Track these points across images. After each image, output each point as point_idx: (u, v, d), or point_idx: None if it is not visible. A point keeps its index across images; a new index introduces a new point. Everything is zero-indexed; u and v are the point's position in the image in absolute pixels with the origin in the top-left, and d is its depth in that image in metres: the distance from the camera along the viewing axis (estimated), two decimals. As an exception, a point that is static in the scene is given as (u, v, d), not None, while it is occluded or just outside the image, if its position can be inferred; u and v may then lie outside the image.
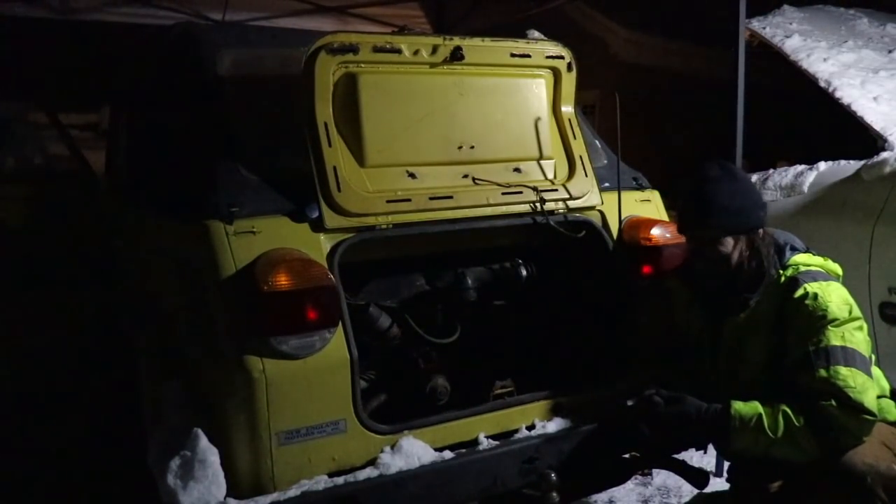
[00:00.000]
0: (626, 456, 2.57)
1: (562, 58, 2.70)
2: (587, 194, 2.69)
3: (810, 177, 3.52)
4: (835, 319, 2.10)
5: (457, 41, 2.49)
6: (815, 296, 2.14)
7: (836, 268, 2.32)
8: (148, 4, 5.77)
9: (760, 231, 2.29)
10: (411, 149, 2.45)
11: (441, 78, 2.51)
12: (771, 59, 4.05)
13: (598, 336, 2.70)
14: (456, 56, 2.48)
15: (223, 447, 2.04)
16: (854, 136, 3.44)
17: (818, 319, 2.11)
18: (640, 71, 6.86)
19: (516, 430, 2.40)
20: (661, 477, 3.38)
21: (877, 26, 4.41)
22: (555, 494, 2.29)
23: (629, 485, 3.23)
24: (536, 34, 3.15)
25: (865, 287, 3.06)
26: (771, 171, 3.76)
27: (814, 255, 2.32)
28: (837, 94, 3.56)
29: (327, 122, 2.32)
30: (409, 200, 2.38)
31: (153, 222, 2.75)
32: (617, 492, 3.26)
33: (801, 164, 3.65)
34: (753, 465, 2.19)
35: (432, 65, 2.48)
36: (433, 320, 2.57)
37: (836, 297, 2.15)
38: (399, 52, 2.41)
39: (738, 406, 2.11)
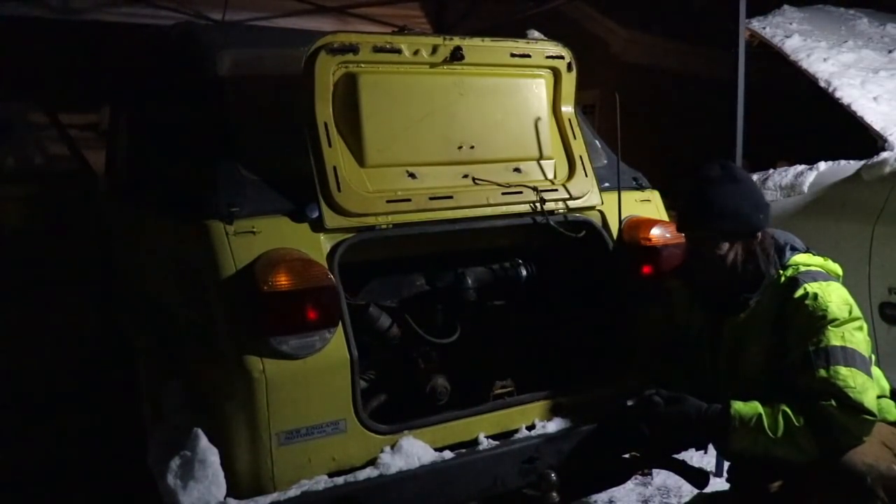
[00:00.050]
0: (626, 456, 2.56)
1: (562, 58, 2.70)
2: (587, 194, 2.69)
3: (810, 177, 3.52)
4: (835, 319, 2.10)
5: (457, 41, 2.49)
6: (815, 296, 2.14)
7: (836, 268, 2.32)
8: (148, 4, 5.77)
9: (759, 234, 2.27)
10: (411, 149, 2.45)
11: (441, 78, 2.51)
12: (771, 59, 4.05)
13: (598, 336, 2.70)
14: (456, 56, 2.48)
15: (223, 447, 2.04)
16: (854, 136, 3.44)
17: (818, 319, 2.11)
18: (640, 71, 6.87)
19: (516, 430, 2.41)
20: (661, 477, 3.38)
21: (877, 26, 4.41)
22: (555, 494, 2.29)
23: (629, 485, 3.23)
24: (536, 34, 3.15)
25: (865, 287, 3.06)
26: (771, 171, 3.76)
27: (814, 255, 2.32)
28: (837, 94, 3.56)
29: (327, 122, 2.32)
30: (409, 200, 2.38)
31: (153, 222, 2.75)
32: (617, 492, 3.26)
33: (801, 164, 3.65)
34: (753, 465, 2.19)
35: (432, 65, 2.48)
36: (433, 320, 2.57)
37: (836, 297, 2.15)
38: (399, 52, 2.41)
39: (738, 406, 2.11)
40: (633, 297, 2.66)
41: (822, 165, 3.53)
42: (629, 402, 2.27)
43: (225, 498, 2.01)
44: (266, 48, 2.78)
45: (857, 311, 2.17)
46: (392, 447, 2.21)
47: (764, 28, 4.13)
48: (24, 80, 5.88)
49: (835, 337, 2.08)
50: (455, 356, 2.55)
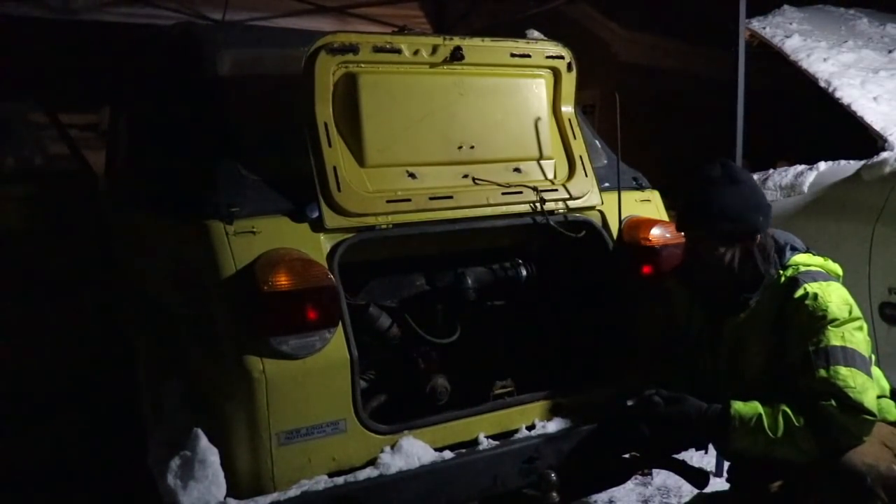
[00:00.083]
0: (626, 456, 2.56)
1: (562, 58, 2.70)
2: (587, 194, 2.69)
3: (810, 177, 3.52)
4: (835, 319, 2.10)
5: (457, 41, 2.49)
6: (815, 296, 2.14)
7: (836, 268, 2.32)
8: (148, 4, 5.77)
9: (758, 237, 2.26)
10: (411, 149, 2.45)
11: (441, 78, 2.51)
12: (771, 59, 4.05)
13: (598, 336, 2.70)
14: (456, 56, 2.48)
15: (223, 447, 2.04)
16: (854, 136, 3.44)
17: (818, 319, 2.11)
18: (640, 71, 6.87)
19: (516, 430, 2.40)
20: (661, 477, 3.38)
21: (877, 26, 4.41)
22: (555, 494, 2.29)
23: (629, 485, 3.23)
24: (536, 34, 3.15)
25: (865, 287, 3.06)
26: (771, 171, 3.76)
27: (814, 255, 2.32)
28: (837, 94, 3.55)
29: (327, 122, 2.32)
30: (409, 200, 2.38)
31: (153, 222, 2.75)
32: (617, 492, 3.26)
33: (801, 164, 3.65)
34: (753, 465, 2.19)
35: (432, 65, 2.48)
36: (433, 320, 2.57)
37: (836, 297, 2.15)
38: (399, 52, 2.41)
39: (738, 406, 2.11)
40: (633, 297, 2.66)
41: (822, 165, 3.53)
42: (629, 402, 2.27)
43: (225, 498, 2.01)
44: (266, 48, 2.78)
45: (857, 311, 2.17)
46: (392, 447, 2.21)
47: (764, 28, 4.13)
48: (24, 80, 5.87)
49: (835, 337, 2.08)
50: (455, 356, 2.55)
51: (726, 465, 2.61)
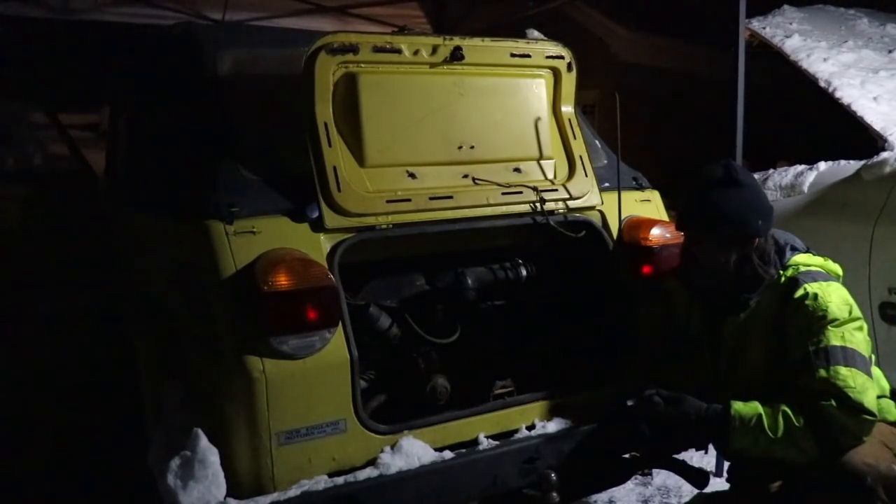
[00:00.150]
0: (626, 456, 2.56)
1: (562, 58, 2.70)
2: (587, 194, 2.69)
3: (810, 177, 3.52)
4: (835, 319, 2.10)
5: (457, 41, 2.49)
6: (816, 296, 2.14)
7: (837, 268, 2.32)
8: (148, 4, 5.77)
9: (757, 240, 2.26)
10: (411, 149, 2.45)
11: (441, 78, 2.51)
12: (771, 59, 4.05)
13: (598, 336, 2.70)
14: (456, 56, 2.48)
15: (223, 447, 2.04)
16: (854, 136, 3.44)
17: (818, 319, 2.11)
18: (640, 71, 6.87)
19: (516, 430, 2.40)
20: (661, 477, 3.38)
21: (877, 26, 4.42)
22: (555, 494, 2.29)
23: (629, 485, 3.23)
24: (536, 34, 3.15)
25: (865, 287, 3.06)
26: (771, 171, 3.76)
27: (814, 255, 2.32)
28: (837, 94, 3.56)
29: (327, 122, 2.32)
30: (409, 200, 2.38)
31: (153, 222, 2.75)
32: (617, 492, 3.26)
33: (801, 164, 3.65)
34: (753, 465, 2.19)
35: (432, 65, 2.48)
36: (433, 320, 2.57)
37: (836, 297, 2.15)
38: (399, 52, 2.41)
39: (738, 406, 2.11)
40: (632, 297, 2.66)
41: (822, 165, 3.53)
42: (629, 402, 2.27)
43: (225, 498, 2.01)
44: (266, 48, 2.78)
45: (857, 311, 2.17)
46: (392, 447, 2.21)
47: (764, 28, 4.13)
48: (24, 80, 5.88)
49: (835, 337, 2.08)
50: (455, 356, 2.55)
51: (726, 465, 2.61)
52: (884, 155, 3.19)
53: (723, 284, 2.30)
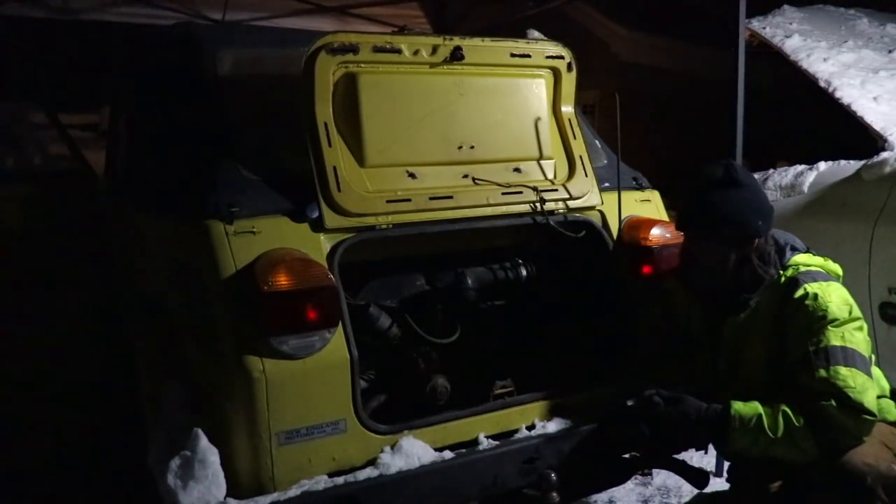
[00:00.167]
0: (626, 456, 2.56)
1: (562, 58, 2.70)
2: (587, 194, 2.69)
3: (810, 177, 3.52)
4: (835, 319, 2.10)
5: (457, 41, 2.49)
6: (816, 296, 2.14)
7: (837, 268, 2.32)
8: (148, 4, 5.78)
9: (756, 241, 2.26)
10: (411, 149, 2.45)
11: (441, 78, 2.51)
12: (771, 59, 4.05)
13: (598, 336, 2.70)
14: (456, 56, 2.48)
15: (223, 447, 2.04)
16: (854, 136, 3.44)
17: (818, 319, 2.11)
18: (640, 71, 6.87)
19: (516, 430, 2.40)
20: (661, 477, 3.38)
21: (877, 26, 4.42)
22: (555, 494, 2.29)
23: (629, 485, 3.23)
24: (536, 34, 3.15)
25: (865, 287, 3.06)
26: (771, 171, 3.76)
27: (814, 255, 2.32)
28: (837, 94, 3.56)
29: (327, 122, 2.32)
30: (409, 200, 2.38)
31: (153, 222, 2.75)
32: (617, 492, 3.26)
33: (801, 164, 3.65)
34: (753, 465, 2.19)
35: (432, 65, 2.48)
36: (433, 320, 2.57)
37: (836, 297, 2.15)
38: (399, 52, 2.41)
39: (738, 406, 2.11)
40: (632, 296, 2.66)
41: (822, 165, 3.53)
42: (629, 402, 2.27)
43: (225, 498, 2.01)
44: (266, 48, 2.78)
45: (857, 312, 2.17)
46: (392, 447, 2.21)
47: (764, 28, 4.13)
48: (24, 80, 5.88)
49: (835, 337, 2.08)
50: (455, 356, 2.55)
51: (726, 465, 2.61)
52: (884, 155, 3.19)
53: (723, 284, 2.30)
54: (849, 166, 3.38)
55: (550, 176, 2.68)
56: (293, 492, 2.06)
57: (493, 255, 2.74)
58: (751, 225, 2.24)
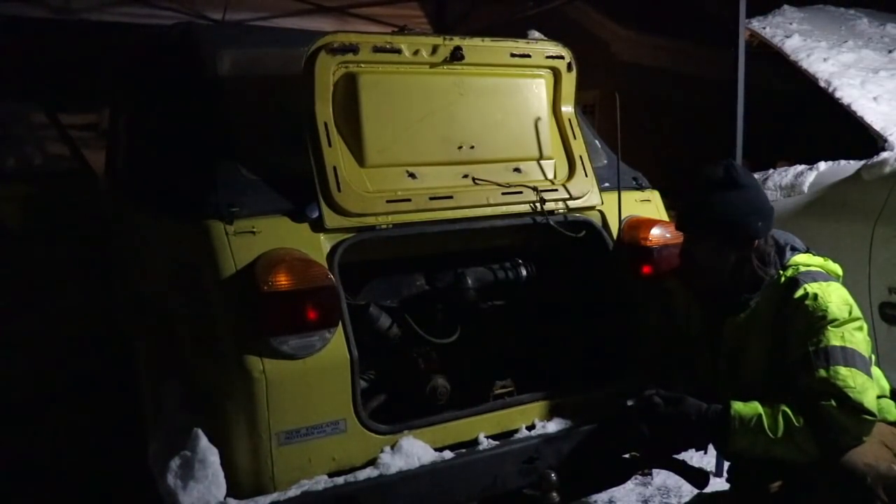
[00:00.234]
0: (626, 456, 2.56)
1: (562, 58, 2.70)
2: (587, 194, 2.69)
3: (810, 177, 3.52)
4: (835, 320, 2.10)
5: (457, 41, 2.49)
6: (815, 296, 2.14)
7: (837, 268, 2.32)
8: (148, 4, 5.78)
9: (756, 242, 2.26)
10: (411, 149, 2.45)
11: (441, 78, 2.51)
12: (771, 59, 4.05)
13: (598, 336, 2.70)
14: (456, 56, 2.48)
15: (223, 447, 2.04)
16: (854, 136, 3.44)
17: (818, 320, 2.11)
18: (640, 71, 6.87)
19: (516, 430, 2.40)
20: (661, 477, 3.38)
21: (877, 26, 4.41)
22: (555, 494, 2.29)
23: (629, 485, 3.23)
24: (536, 34, 3.15)
25: (865, 287, 3.06)
26: (771, 171, 3.76)
27: (814, 255, 2.32)
28: (837, 94, 3.56)
29: (327, 122, 2.32)
30: (409, 200, 2.38)
31: (153, 222, 2.75)
32: (617, 492, 3.26)
33: (801, 164, 3.65)
34: (753, 465, 2.19)
35: (432, 65, 2.48)
36: (433, 320, 2.57)
37: (836, 297, 2.15)
38: (399, 52, 2.41)
39: (738, 406, 2.11)
40: (632, 296, 2.66)
41: (822, 165, 3.53)
42: (629, 402, 2.27)
43: (225, 498, 2.01)
44: (266, 48, 2.78)
45: (857, 312, 2.17)
46: (392, 447, 2.21)
47: (764, 28, 4.13)
48: (24, 80, 5.88)
49: (835, 337, 2.08)
50: (455, 356, 2.55)
51: (726, 465, 2.61)
52: (884, 155, 3.19)
53: (723, 284, 2.30)
54: (849, 166, 3.38)
55: (550, 176, 2.69)
56: (293, 492, 2.06)
57: (493, 255, 2.74)
58: (751, 225, 2.24)
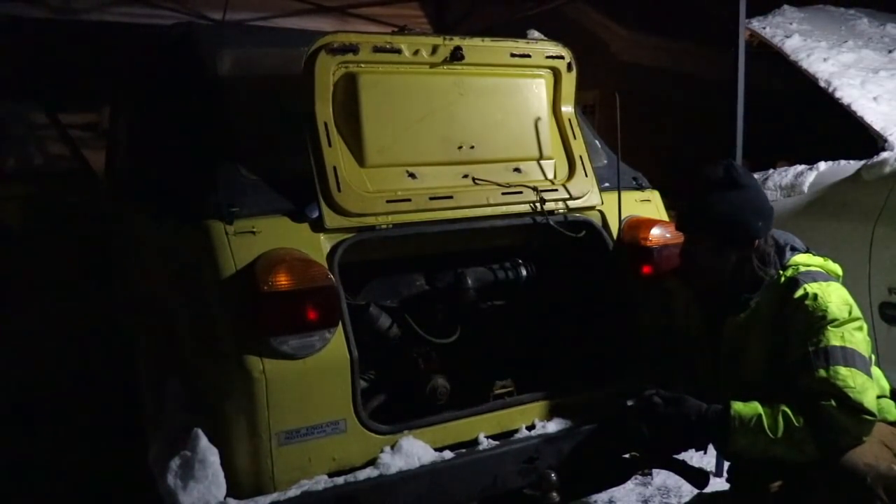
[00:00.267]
0: (626, 456, 2.56)
1: (562, 58, 2.70)
2: (587, 194, 2.69)
3: (810, 177, 3.52)
4: (834, 320, 2.10)
5: (457, 41, 2.49)
6: (815, 296, 2.13)
7: (836, 268, 2.32)
8: (148, 4, 5.78)
9: (756, 242, 2.26)
10: (411, 149, 2.45)
11: (441, 78, 2.51)
12: (771, 59, 4.05)
13: (598, 336, 2.70)
14: (456, 56, 2.48)
15: (223, 447, 2.04)
16: (854, 136, 3.44)
17: (818, 320, 2.11)
18: (640, 71, 6.87)
19: (516, 430, 2.40)
20: (661, 477, 3.38)
21: (877, 26, 4.41)
22: (555, 494, 2.29)
23: (629, 485, 3.23)
24: (536, 34, 3.15)
25: (865, 287, 3.06)
26: (771, 171, 3.76)
27: (814, 255, 2.32)
28: (837, 94, 3.56)
29: (327, 122, 2.32)
30: (409, 200, 2.38)
31: (153, 222, 2.75)
32: (617, 492, 3.26)
33: (801, 164, 3.65)
34: (753, 465, 2.19)
35: (432, 65, 2.48)
36: (433, 320, 2.57)
37: (835, 297, 2.15)
38: (399, 52, 2.41)
39: (738, 406, 2.11)
40: (632, 296, 2.66)
41: (822, 165, 3.53)
42: (629, 402, 2.27)
43: (225, 498, 2.01)
44: (266, 48, 2.78)
45: (856, 312, 2.16)
46: (392, 447, 2.21)
47: (764, 28, 4.13)
48: (24, 80, 5.88)
49: (834, 337, 2.08)
50: (455, 356, 2.55)
51: (726, 465, 2.61)
52: (884, 155, 3.19)
53: (722, 285, 2.30)
54: (849, 166, 3.38)
55: (550, 176, 2.69)
56: (293, 492, 2.06)
57: (493, 255, 2.74)
58: (751, 226, 2.24)
